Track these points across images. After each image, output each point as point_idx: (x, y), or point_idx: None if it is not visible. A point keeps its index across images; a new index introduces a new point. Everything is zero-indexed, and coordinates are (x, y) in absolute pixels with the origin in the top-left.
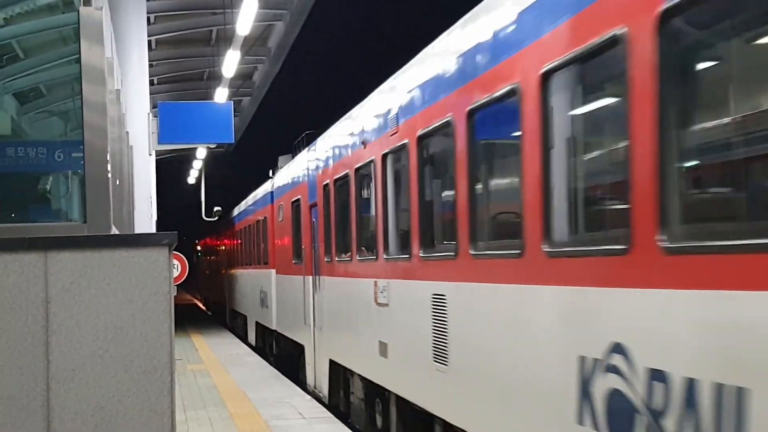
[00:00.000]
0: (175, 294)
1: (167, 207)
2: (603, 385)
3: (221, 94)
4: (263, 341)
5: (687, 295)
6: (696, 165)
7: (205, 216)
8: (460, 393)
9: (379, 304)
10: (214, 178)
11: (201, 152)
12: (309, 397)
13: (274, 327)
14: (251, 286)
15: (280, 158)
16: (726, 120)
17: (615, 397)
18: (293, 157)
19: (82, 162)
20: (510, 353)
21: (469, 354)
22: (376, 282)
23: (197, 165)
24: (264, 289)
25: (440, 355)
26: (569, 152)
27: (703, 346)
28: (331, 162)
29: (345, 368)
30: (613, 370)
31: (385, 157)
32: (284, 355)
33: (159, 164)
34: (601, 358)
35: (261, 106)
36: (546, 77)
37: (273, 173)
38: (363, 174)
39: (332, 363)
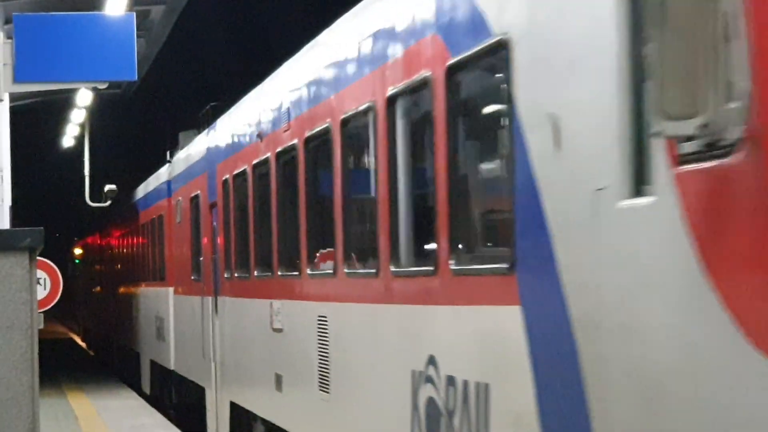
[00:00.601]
0: (41, 326)
1: (29, 186)
2: (424, 395)
3: (117, 1)
4: (160, 388)
5: (466, 310)
6: (470, 200)
7: (91, 200)
8: (339, 422)
9: (275, 330)
10: (105, 140)
11: (84, 97)
12: None
13: (172, 367)
14: (144, 312)
15: (181, 135)
16: (487, 163)
17: (430, 405)
18: (199, 133)
19: None
20: (370, 373)
21: (345, 378)
22: (271, 304)
23: (77, 117)
24: (160, 314)
25: (324, 382)
26: (406, 178)
27: (475, 353)
28: (231, 152)
29: (247, 411)
30: (429, 380)
31: (278, 155)
32: (185, 405)
33: (16, 116)
34: (422, 370)
35: (182, 20)
36: (391, 101)
37: (171, 155)
38: (260, 172)
39: (233, 406)
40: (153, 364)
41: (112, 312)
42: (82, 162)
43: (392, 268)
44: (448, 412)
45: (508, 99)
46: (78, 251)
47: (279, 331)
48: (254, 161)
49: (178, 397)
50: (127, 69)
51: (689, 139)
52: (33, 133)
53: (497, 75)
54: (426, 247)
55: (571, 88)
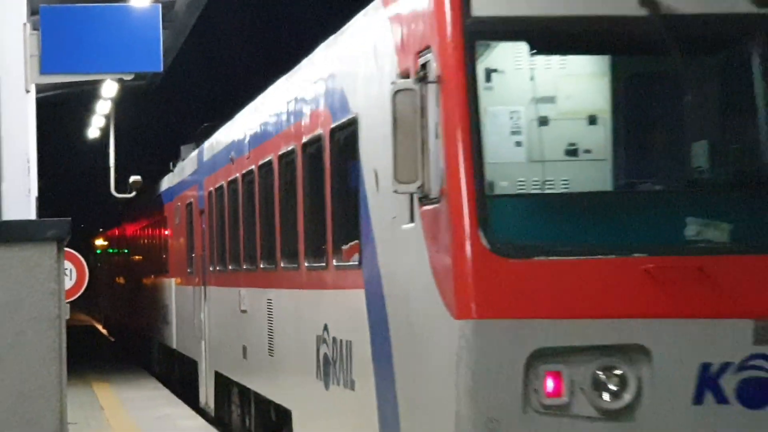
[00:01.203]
0: (67, 317)
1: (54, 177)
2: (322, 351)
3: None
4: (167, 366)
5: (341, 292)
6: (343, 218)
7: (116, 191)
8: (279, 377)
9: (242, 311)
10: (130, 131)
11: (109, 88)
12: None
13: (174, 346)
14: (153, 300)
15: (183, 148)
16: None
17: (325, 358)
18: (196, 147)
19: None
20: (296, 339)
21: (282, 344)
22: (239, 291)
23: (103, 109)
24: (165, 302)
25: (270, 348)
26: (311, 202)
27: (345, 321)
28: (214, 169)
29: (228, 378)
30: (324, 341)
31: (243, 176)
32: (185, 378)
33: (41, 107)
34: (320, 335)
35: (206, 12)
36: (304, 146)
37: (173, 165)
38: (232, 188)
39: (217, 374)
40: (161, 346)
41: (128, 301)
42: (107, 153)
43: (306, 264)
44: (333, 361)
45: (356, 155)
46: (99, 242)
47: (245, 312)
48: (228, 179)
49: (179, 372)
50: (152, 60)
51: (421, 193)
52: (59, 124)
53: (352, 139)
54: (322, 249)
55: (382, 153)
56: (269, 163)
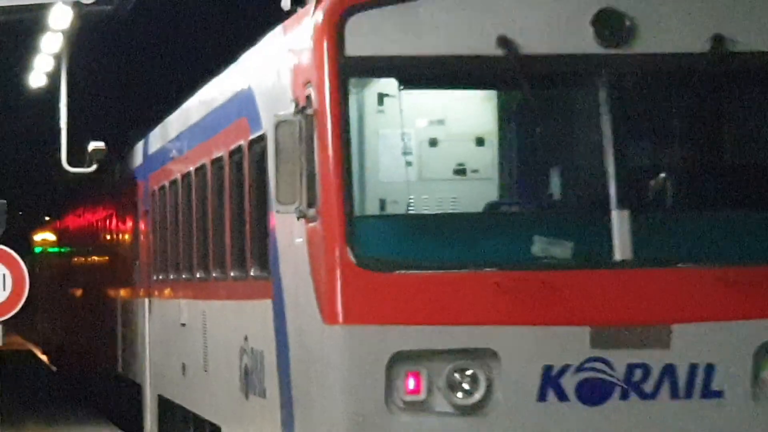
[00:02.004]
0: (0, 343)
1: None
2: (244, 361)
3: None
4: (115, 397)
5: (256, 302)
6: (259, 234)
7: (68, 164)
8: (213, 392)
9: (182, 325)
10: (89, 79)
11: (61, 16)
12: None
13: (119, 370)
14: (103, 319)
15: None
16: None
17: (246, 368)
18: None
19: None
20: (226, 351)
21: (214, 356)
22: (179, 303)
23: (51, 46)
24: (112, 318)
25: (205, 362)
26: (234, 218)
27: (260, 330)
28: (158, 165)
29: (171, 402)
30: (245, 351)
31: (183, 178)
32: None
33: None
34: (243, 345)
35: None
36: (230, 154)
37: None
38: (174, 190)
39: (161, 399)
40: (108, 373)
41: (73, 317)
42: (57, 109)
43: (231, 274)
44: (251, 371)
45: (266, 170)
46: (40, 238)
47: (184, 326)
48: (170, 179)
49: (125, 401)
50: None
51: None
52: None
53: (263, 154)
54: (243, 260)
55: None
56: (203, 167)
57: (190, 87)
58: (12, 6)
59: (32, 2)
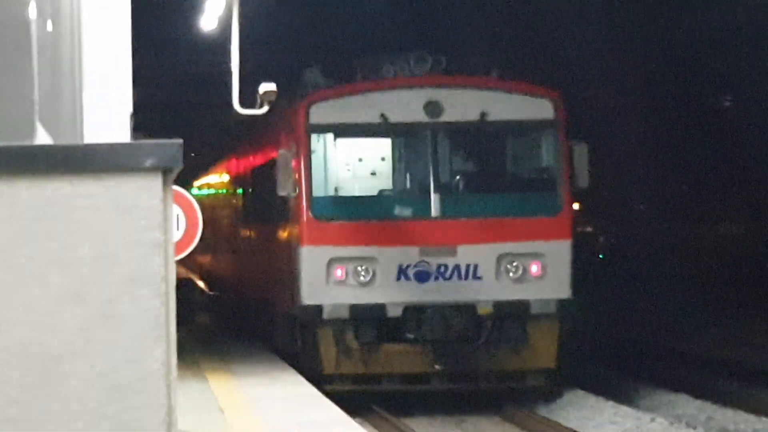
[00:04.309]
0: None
1: (155, 86)
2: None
3: None
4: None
5: None
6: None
7: (240, 106)
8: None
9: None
10: (260, 23)
11: None
12: None
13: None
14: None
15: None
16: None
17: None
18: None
19: None
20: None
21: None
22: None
23: None
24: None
25: None
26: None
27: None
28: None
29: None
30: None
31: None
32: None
33: None
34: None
35: None
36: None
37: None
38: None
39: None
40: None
41: (233, 249)
42: (228, 52)
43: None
44: (279, 266)
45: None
46: (210, 180)
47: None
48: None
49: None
50: None
51: None
52: (160, 12)
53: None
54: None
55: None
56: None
57: (355, 35)
58: None
59: None
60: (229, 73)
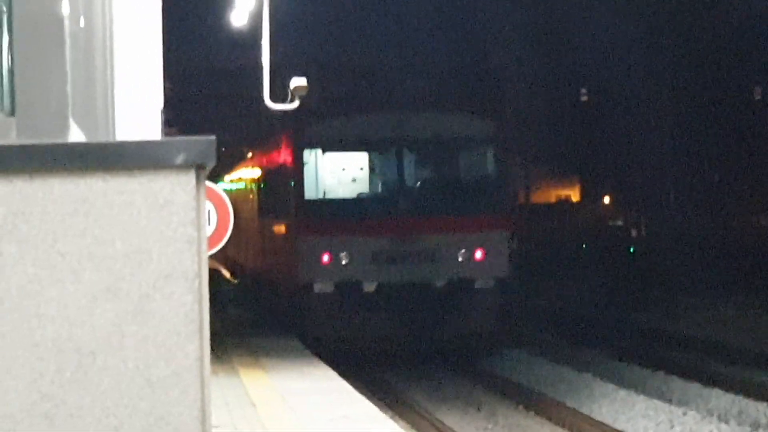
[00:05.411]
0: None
1: (184, 80)
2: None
3: None
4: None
5: None
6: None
7: (271, 100)
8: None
9: None
10: (290, 17)
11: None
12: None
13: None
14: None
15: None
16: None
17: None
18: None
19: None
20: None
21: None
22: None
23: None
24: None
25: None
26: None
27: None
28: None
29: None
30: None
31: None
32: None
33: None
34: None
35: None
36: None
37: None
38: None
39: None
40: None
41: (249, 240)
42: (259, 47)
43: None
44: (275, 252)
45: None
46: (240, 174)
47: None
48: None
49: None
50: None
51: None
52: (193, 8)
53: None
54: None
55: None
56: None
57: (377, 34)
58: None
59: None
60: (260, 67)
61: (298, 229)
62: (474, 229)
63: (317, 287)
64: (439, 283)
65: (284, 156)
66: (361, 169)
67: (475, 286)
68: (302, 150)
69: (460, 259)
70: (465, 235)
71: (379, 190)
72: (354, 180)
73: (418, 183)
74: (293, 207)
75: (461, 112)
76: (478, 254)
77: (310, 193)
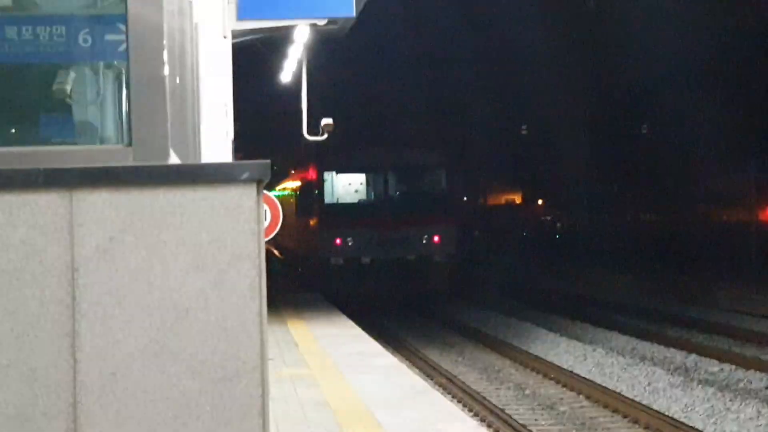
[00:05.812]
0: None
1: (246, 119)
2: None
3: None
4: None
5: None
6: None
7: (308, 134)
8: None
9: None
10: (317, 77)
11: (302, 32)
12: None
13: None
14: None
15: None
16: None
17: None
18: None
19: (124, 48)
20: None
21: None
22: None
23: (295, 53)
24: None
25: None
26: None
27: None
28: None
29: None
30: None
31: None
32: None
33: (238, 52)
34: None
35: None
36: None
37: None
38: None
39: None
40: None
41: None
42: (299, 96)
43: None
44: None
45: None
46: (290, 184)
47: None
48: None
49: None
50: (344, 5)
51: None
52: (253, 68)
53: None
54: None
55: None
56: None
57: (383, 85)
58: (271, 27)
59: (283, 24)
60: (300, 111)
61: (320, 223)
62: (433, 223)
63: (332, 261)
64: (411, 258)
65: (312, 175)
66: (361, 184)
67: (434, 260)
68: (323, 171)
69: (424, 242)
70: (427, 227)
71: (373, 198)
72: (356, 191)
73: (398, 194)
74: (317, 209)
75: (425, 148)
76: (436, 239)
77: (328, 199)
